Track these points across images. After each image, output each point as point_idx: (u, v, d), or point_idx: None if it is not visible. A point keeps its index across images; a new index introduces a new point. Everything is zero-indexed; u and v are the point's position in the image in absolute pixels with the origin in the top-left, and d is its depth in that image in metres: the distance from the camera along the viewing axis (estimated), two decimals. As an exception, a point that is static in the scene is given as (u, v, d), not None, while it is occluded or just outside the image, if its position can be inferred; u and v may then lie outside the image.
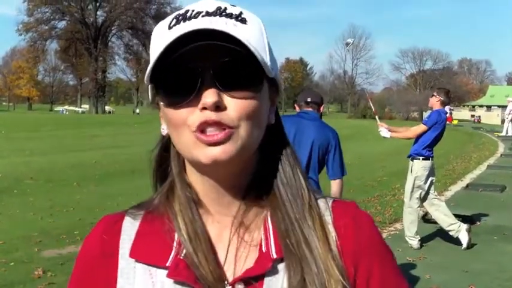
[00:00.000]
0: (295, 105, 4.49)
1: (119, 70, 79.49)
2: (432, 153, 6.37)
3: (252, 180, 0.81)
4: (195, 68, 0.72)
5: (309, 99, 4.28)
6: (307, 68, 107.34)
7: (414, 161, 6.39)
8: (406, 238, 6.49)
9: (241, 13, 0.76)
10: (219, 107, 0.72)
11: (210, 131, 0.72)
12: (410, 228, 6.46)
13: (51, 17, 75.13)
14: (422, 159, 6.31)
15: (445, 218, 6.44)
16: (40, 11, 73.94)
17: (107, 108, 79.55)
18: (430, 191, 6.47)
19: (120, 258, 0.80)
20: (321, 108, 4.34)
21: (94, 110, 71.45)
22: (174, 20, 0.75)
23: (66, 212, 8.01)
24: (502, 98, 67.32)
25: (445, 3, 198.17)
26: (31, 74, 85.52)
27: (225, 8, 0.75)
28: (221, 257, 0.78)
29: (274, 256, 0.76)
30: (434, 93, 6.45)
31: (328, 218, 0.81)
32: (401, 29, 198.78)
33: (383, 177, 12.09)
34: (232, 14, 0.75)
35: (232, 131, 0.73)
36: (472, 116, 61.71)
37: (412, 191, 6.42)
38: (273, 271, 0.76)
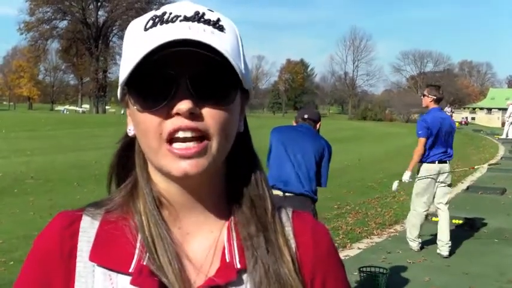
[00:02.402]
0: (294, 122, 4.53)
1: (120, 70, 79.36)
2: (439, 156, 6.19)
3: (219, 188, 0.80)
4: (170, 74, 0.70)
5: (306, 116, 4.41)
6: (308, 70, 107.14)
7: (421, 164, 6.32)
8: (407, 239, 6.47)
9: (218, 20, 0.74)
10: (193, 113, 0.70)
11: (184, 140, 0.71)
12: (411, 230, 6.42)
13: (53, 17, 75.20)
14: (427, 162, 6.26)
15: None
16: (41, 11, 74.04)
17: (107, 108, 79.59)
18: (437, 196, 6.34)
19: (78, 260, 0.76)
20: (318, 126, 4.38)
21: (95, 109, 71.43)
22: (151, 22, 0.73)
23: (66, 212, 8.00)
24: (502, 100, 67.37)
25: (447, 5, 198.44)
26: (32, 74, 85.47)
27: (203, 14, 0.73)
28: (184, 262, 0.76)
29: (238, 266, 0.76)
30: (425, 93, 6.30)
31: (288, 229, 0.82)
32: (403, 31, 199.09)
33: (383, 178, 12.08)
34: (210, 20, 0.73)
35: (206, 143, 0.72)
36: (473, 118, 61.56)
37: (416, 194, 6.38)
38: (237, 282, 0.75)
